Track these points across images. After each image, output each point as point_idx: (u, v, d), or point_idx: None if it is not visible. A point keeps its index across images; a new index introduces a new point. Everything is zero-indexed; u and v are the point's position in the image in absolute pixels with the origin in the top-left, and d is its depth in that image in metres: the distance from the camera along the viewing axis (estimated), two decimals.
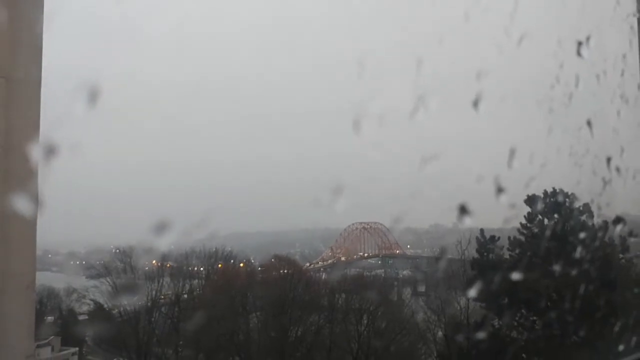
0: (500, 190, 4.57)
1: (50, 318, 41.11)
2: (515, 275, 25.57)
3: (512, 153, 4.61)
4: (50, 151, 2.54)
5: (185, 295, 42.01)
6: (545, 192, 32.39)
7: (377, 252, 55.86)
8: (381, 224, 55.48)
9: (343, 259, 54.28)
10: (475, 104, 4.52)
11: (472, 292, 35.89)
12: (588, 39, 5.57)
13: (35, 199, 3.08)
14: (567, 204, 32.04)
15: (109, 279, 41.12)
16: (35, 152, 3.06)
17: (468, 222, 4.32)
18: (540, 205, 32.15)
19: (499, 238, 36.02)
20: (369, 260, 55.06)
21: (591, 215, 29.12)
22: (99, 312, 41.25)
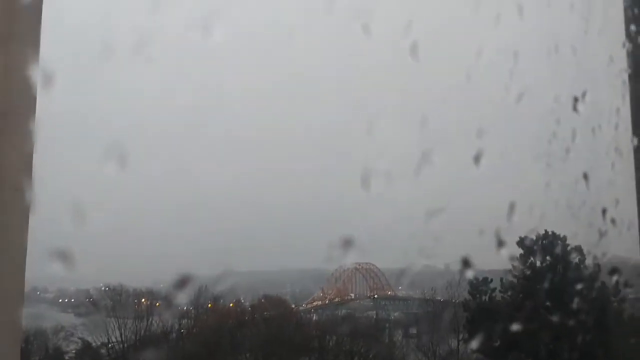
0: (500, 243, 4.66)
1: (36, 358, 40.32)
2: (509, 319, 25.51)
3: (511, 207, 4.72)
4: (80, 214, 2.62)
5: (174, 335, 41.44)
6: (538, 235, 32.56)
7: (368, 293, 55.46)
8: (373, 265, 55.24)
9: (334, 299, 53.86)
10: (477, 159, 4.64)
11: (464, 335, 35.73)
12: (584, 94, 5.76)
13: (25, 236, 3.12)
14: (559, 246, 32.17)
15: (97, 317, 40.56)
16: (28, 189, 3.12)
17: (470, 274, 4.39)
18: (532, 248, 32.30)
19: (491, 280, 35.98)
20: (360, 302, 54.64)
21: (583, 258, 29.27)
22: (86, 350, 40.53)
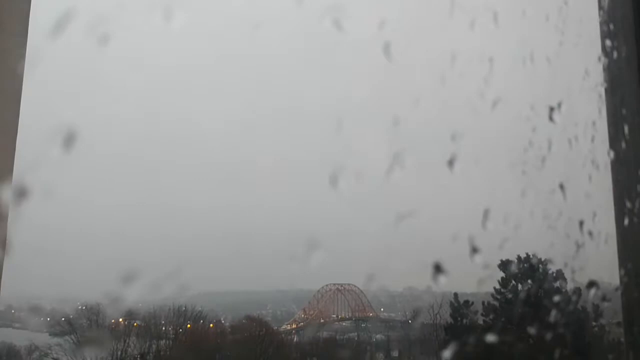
0: (474, 250, 4.56)
1: None
2: (490, 341, 25.34)
3: (486, 214, 4.64)
4: (21, 197, 2.44)
5: (152, 356, 40.78)
6: (519, 258, 32.67)
7: (350, 314, 55.07)
8: (355, 286, 54.93)
9: (316, 321, 53.42)
10: (450, 163, 4.58)
11: (446, 358, 35.56)
12: (559, 105, 5.72)
13: (2, 250, 2.93)
14: (540, 270, 32.29)
15: (73, 337, 39.84)
16: (5, 202, 2.93)
17: (443, 281, 4.26)
18: (514, 271, 32.39)
19: (472, 303, 36.07)
20: (342, 323, 54.22)
21: (564, 282, 29.36)
22: None
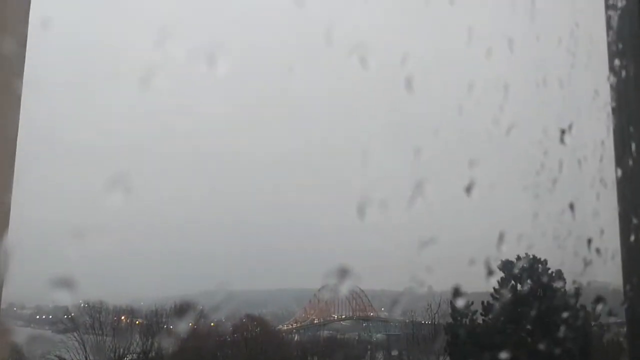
0: (490, 272, 4.77)
1: None
2: (490, 342, 25.63)
3: (501, 237, 4.83)
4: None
5: (154, 354, 40.96)
6: (518, 257, 32.84)
7: (351, 314, 55.24)
8: (356, 286, 55.15)
9: (316, 320, 53.60)
10: (468, 190, 4.75)
11: (445, 357, 35.82)
12: (570, 127, 5.93)
13: (5, 250, 3.09)
14: (539, 270, 32.49)
15: (76, 334, 39.98)
16: (7, 200, 3.09)
17: (461, 302, 4.46)
18: (514, 271, 32.58)
19: (472, 302, 36.19)
20: (342, 323, 54.40)
21: (563, 282, 29.60)
22: None
